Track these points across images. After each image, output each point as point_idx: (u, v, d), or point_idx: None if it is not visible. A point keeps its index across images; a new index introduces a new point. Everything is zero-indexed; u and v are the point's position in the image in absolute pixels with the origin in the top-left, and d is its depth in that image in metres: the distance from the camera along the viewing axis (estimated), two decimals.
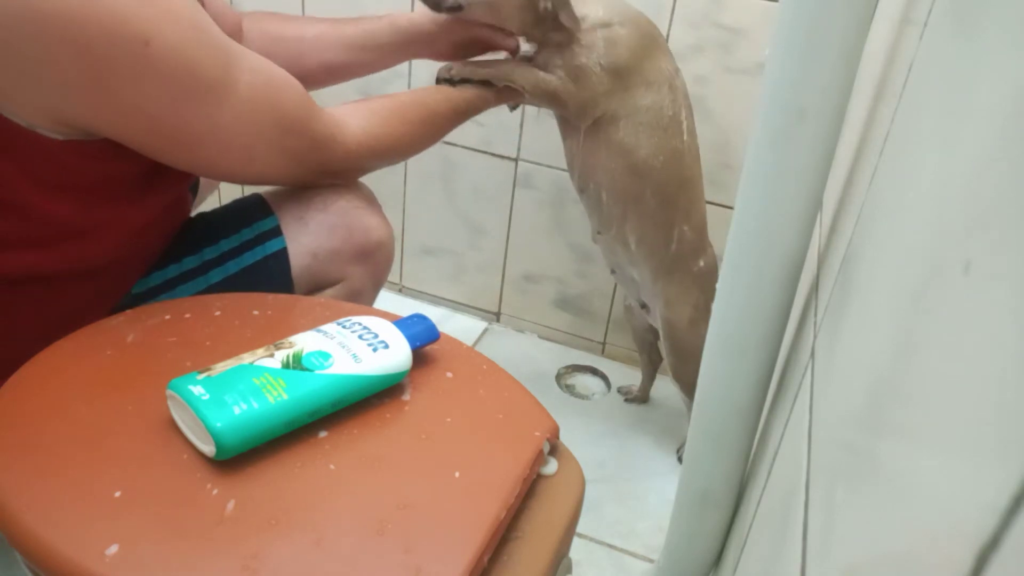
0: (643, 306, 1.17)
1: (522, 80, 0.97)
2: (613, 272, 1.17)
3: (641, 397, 1.36)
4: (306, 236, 0.86)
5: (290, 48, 1.03)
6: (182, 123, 0.69)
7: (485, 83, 0.98)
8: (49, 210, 0.70)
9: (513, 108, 1.10)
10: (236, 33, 1.01)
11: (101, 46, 0.61)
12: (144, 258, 0.83)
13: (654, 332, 1.21)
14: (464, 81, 0.98)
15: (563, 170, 1.34)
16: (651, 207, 1.03)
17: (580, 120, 0.99)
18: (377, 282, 0.94)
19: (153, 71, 0.65)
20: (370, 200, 0.91)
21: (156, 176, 0.76)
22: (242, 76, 0.72)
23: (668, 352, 1.13)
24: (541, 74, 0.97)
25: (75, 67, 0.62)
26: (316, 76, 1.05)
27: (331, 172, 0.86)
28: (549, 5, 0.93)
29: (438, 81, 0.99)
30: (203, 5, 0.87)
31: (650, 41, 0.98)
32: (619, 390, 1.38)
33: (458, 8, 0.95)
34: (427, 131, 0.94)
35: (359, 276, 0.89)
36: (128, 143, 0.69)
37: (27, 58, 0.61)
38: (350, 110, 0.86)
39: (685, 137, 1.01)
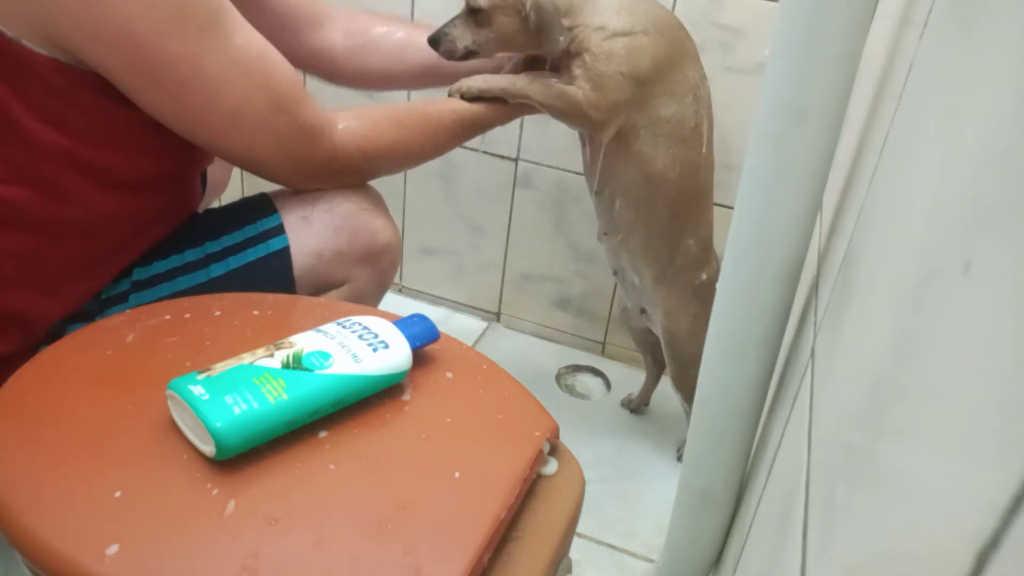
0: (642, 311, 1.15)
1: (538, 94, 0.94)
2: (615, 274, 1.15)
3: (642, 400, 1.33)
4: (311, 237, 0.85)
5: (394, 44, 1.04)
6: (166, 58, 0.70)
7: (499, 99, 0.96)
8: (40, 137, 0.70)
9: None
10: (319, 20, 1.02)
11: None
12: (144, 234, 0.83)
13: (654, 334, 1.20)
14: (477, 98, 0.95)
15: (563, 170, 1.34)
16: (662, 218, 1.01)
17: (602, 132, 0.96)
18: (382, 285, 0.93)
19: None
20: (377, 203, 0.91)
21: (154, 132, 0.75)
22: (235, 37, 0.73)
23: (669, 361, 1.12)
24: (559, 86, 0.94)
25: None
26: (415, 76, 1.06)
27: (318, 172, 0.85)
28: (532, 21, 0.91)
29: (450, 93, 0.97)
30: None
31: (678, 48, 0.95)
32: (622, 403, 1.35)
33: (474, 54, 0.95)
34: (427, 140, 0.92)
35: (364, 279, 0.89)
36: (114, 77, 0.70)
37: None
38: (344, 112, 0.86)
39: (704, 150, 0.98)
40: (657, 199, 0.99)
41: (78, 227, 0.76)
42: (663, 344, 1.12)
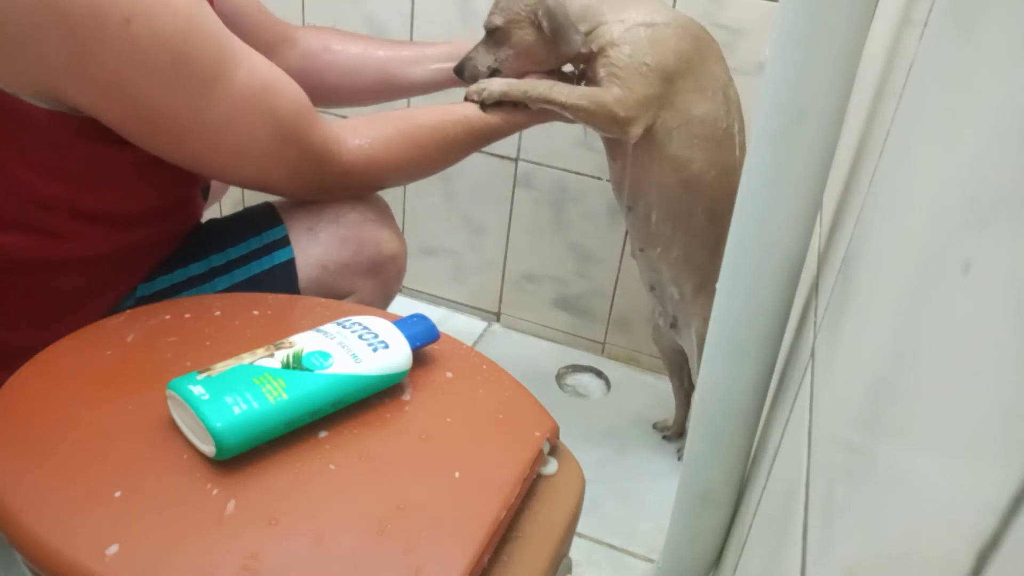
0: (672, 324, 1.11)
1: (561, 96, 0.90)
2: (652, 289, 1.10)
3: (677, 430, 1.27)
4: (316, 248, 0.85)
5: (349, 60, 1.04)
6: (165, 111, 0.69)
7: (518, 105, 0.93)
8: (38, 189, 0.69)
9: None
10: (280, 44, 1.01)
11: (83, 22, 0.61)
12: (146, 257, 0.83)
13: (683, 355, 1.15)
14: (496, 105, 0.93)
15: (563, 170, 1.34)
16: (701, 225, 0.97)
17: (630, 130, 0.91)
18: (388, 296, 0.92)
19: (135, 53, 0.64)
20: (383, 213, 0.90)
21: (153, 169, 0.75)
22: (238, 76, 0.71)
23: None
24: (583, 87, 0.92)
25: (57, 40, 0.62)
26: (374, 89, 1.05)
27: (328, 188, 0.85)
28: (546, 27, 0.91)
29: (466, 100, 0.93)
30: (242, 14, 0.86)
31: (702, 44, 0.93)
32: (655, 426, 1.30)
33: (498, 72, 0.95)
34: (441, 155, 0.91)
35: (369, 290, 0.88)
36: (112, 126, 0.69)
37: (11, 26, 0.61)
38: (356, 127, 0.85)
39: (737, 152, 0.95)
40: (695, 205, 0.96)
41: (80, 261, 0.76)
42: (698, 354, 1.06)
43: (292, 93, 0.77)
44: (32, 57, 0.63)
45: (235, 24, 0.89)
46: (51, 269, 0.75)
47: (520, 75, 0.97)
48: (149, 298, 0.82)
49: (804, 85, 0.58)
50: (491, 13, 0.95)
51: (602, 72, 0.91)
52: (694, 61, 0.91)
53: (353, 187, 0.87)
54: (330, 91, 1.05)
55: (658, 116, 0.91)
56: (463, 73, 0.97)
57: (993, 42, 0.28)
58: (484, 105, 0.92)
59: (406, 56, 1.05)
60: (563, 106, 0.91)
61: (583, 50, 0.92)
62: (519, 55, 0.95)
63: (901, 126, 0.44)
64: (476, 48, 0.97)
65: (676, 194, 0.96)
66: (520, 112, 0.94)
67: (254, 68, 0.73)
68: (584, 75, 0.96)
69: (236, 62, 0.71)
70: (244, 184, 0.86)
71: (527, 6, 0.92)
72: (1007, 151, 0.23)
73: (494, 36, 0.95)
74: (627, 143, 0.95)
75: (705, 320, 1.03)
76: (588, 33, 0.92)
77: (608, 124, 0.92)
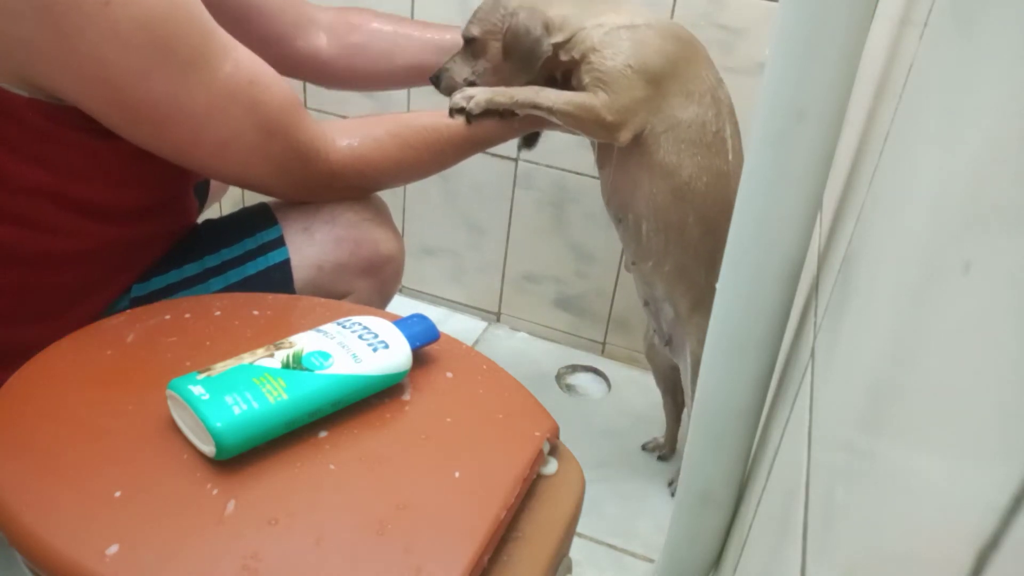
0: (667, 342, 1.09)
1: (548, 102, 0.88)
2: (646, 304, 1.08)
3: (670, 447, 1.25)
4: (311, 248, 0.84)
5: (381, 42, 1.03)
6: (146, 98, 0.68)
7: (504, 114, 0.91)
8: (23, 178, 0.69)
9: (530, 147, 1.04)
10: (303, 26, 1.00)
11: (61, 2, 0.61)
12: (140, 256, 0.83)
13: (677, 371, 1.13)
14: (484, 114, 0.90)
15: (563, 170, 1.35)
16: (694, 236, 0.94)
17: (618, 135, 0.89)
18: (385, 296, 0.92)
19: (113, 35, 0.63)
20: (380, 212, 0.89)
21: (141, 162, 0.74)
22: (223, 67, 0.70)
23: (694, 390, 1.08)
24: (569, 92, 0.89)
25: (35, 22, 0.61)
26: (402, 75, 1.05)
27: (316, 188, 0.84)
28: (505, 44, 0.90)
29: (451, 112, 0.90)
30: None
31: (687, 47, 0.90)
32: (644, 447, 1.27)
33: (472, 85, 0.94)
34: (432, 158, 0.89)
35: (366, 290, 0.88)
36: (94, 113, 0.68)
37: None
38: (345, 127, 0.84)
39: (730, 157, 0.92)
40: (687, 215, 0.93)
41: (71, 257, 0.76)
42: (691, 374, 1.04)
43: (279, 89, 0.76)
44: (9, 40, 0.62)
45: (254, 7, 0.89)
46: (42, 264, 0.74)
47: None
48: (144, 298, 0.82)
49: (804, 85, 0.58)
50: (469, 22, 0.93)
51: (587, 79, 0.89)
52: (679, 63, 0.89)
53: (342, 188, 0.86)
54: (360, 75, 1.05)
55: (648, 121, 0.89)
56: (439, 83, 0.96)
57: (993, 42, 0.28)
58: (470, 117, 0.89)
59: (443, 39, 1.03)
60: (550, 111, 0.89)
61: (564, 58, 0.91)
62: (495, 68, 0.93)
63: (901, 126, 0.44)
64: (453, 58, 0.95)
65: (666, 203, 0.93)
66: (510, 119, 0.92)
67: (240, 61, 0.72)
68: (568, 85, 0.94)
69: (222, 53, 0.71)
70: (231, 180, 0.85)
71: (503, 18, 0.90)
72: (1007, 151, 0.23)
73: (471, 47, 0.93)
74: (615, 150, 0.93)
75: (701, 341, 0.99)
76: (567, 41, 0.90)
77: (596, 129, 0.90)
